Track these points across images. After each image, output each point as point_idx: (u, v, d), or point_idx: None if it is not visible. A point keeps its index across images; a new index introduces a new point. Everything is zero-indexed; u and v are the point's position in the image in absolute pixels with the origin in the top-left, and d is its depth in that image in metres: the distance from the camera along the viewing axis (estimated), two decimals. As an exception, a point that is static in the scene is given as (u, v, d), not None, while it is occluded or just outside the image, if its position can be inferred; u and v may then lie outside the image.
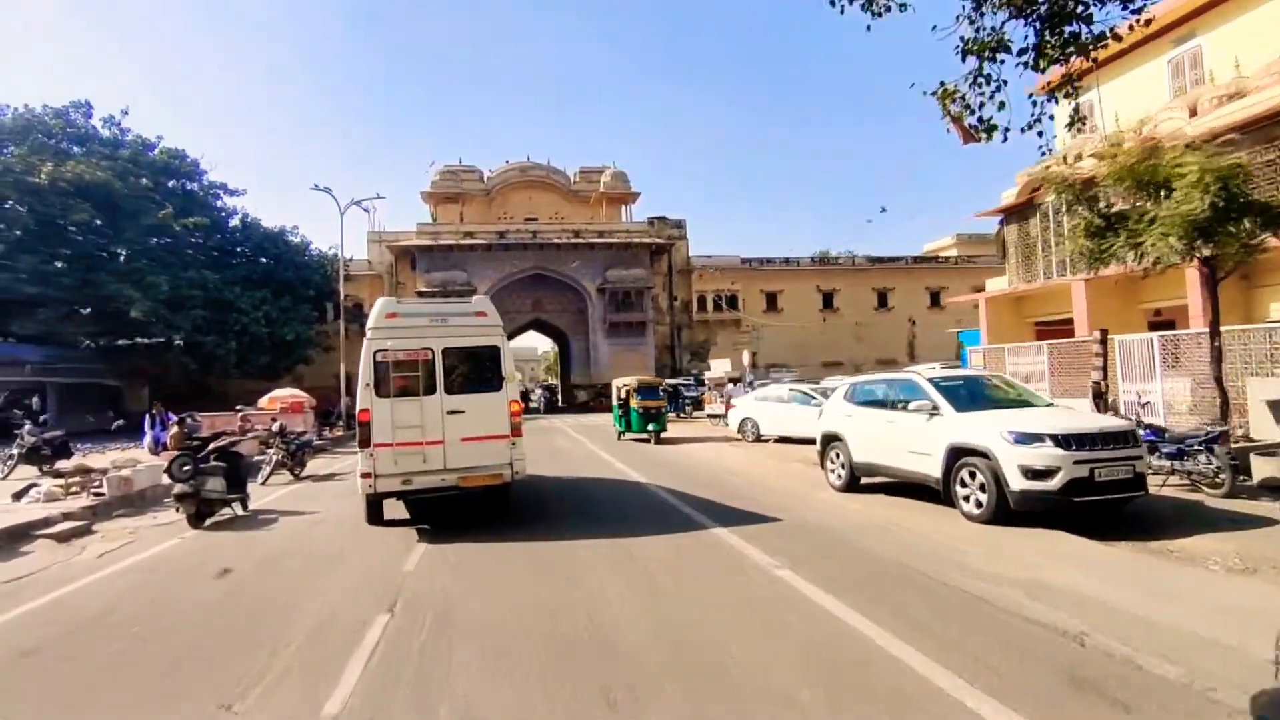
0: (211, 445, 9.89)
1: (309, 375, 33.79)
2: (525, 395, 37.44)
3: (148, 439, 17.19)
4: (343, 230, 28.33)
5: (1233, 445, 9.43)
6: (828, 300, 48.40)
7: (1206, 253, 9.59)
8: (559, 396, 46.28)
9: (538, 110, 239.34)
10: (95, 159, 28.81)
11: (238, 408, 19.21)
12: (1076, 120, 5.90)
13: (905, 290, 49.06)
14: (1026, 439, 6.96)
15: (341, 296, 27.42)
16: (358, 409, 7.86)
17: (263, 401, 22.09)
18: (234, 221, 34.65)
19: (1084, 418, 8.16)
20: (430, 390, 8.01)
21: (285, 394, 21.83)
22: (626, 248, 43.19)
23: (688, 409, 30.70)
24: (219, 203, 34.26)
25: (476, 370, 8.36)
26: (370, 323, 8.04)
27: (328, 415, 27.49)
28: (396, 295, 43.66)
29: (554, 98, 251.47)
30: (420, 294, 39.80)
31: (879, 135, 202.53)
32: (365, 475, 7.69)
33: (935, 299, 49.57)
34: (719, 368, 34.30)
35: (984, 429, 7.38)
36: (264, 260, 33.79)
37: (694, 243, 47.34)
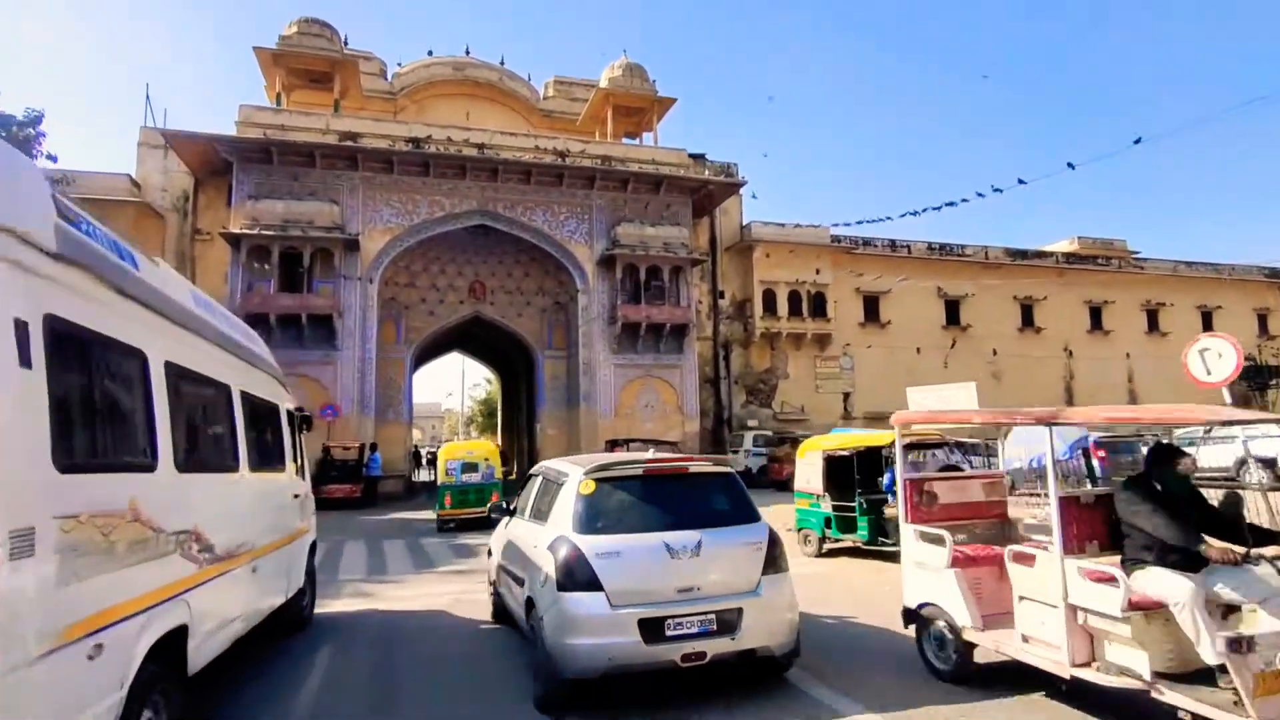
0: None
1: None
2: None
3: None
4: None
5: None
6: (952, 312, 30.02)
7: None
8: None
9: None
10: None
11: None
12: None
13: (1057, 303, 31.40)
14: None
15: None
16: None
17: None
18: None
19: None
20: None
21: None
22: (653, 186, 23.36)
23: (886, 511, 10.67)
24: None
25: None
26: None
27: None
28: (191, 242, 21.79)
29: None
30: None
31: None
32: None
33: (1096, 318, 32.37)
34: (926, 398, 14.52)
35: None
36: None
37: (748, 210, 28.11)
